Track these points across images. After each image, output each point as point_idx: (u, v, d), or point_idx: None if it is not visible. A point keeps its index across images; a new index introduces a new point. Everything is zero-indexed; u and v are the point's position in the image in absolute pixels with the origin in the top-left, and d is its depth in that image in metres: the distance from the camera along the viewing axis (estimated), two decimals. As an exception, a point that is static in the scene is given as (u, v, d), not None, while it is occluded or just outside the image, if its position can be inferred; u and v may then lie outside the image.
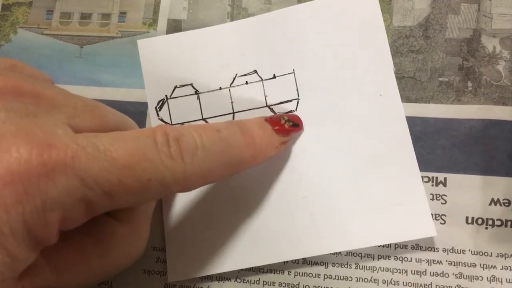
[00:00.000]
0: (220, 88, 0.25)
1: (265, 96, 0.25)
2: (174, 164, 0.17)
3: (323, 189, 0.24)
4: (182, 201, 0.24)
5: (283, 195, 0.24)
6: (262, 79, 0.25)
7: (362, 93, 0.25)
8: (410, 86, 0.25)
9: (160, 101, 0.26)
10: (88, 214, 0.16)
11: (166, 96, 0.25)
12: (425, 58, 0.25)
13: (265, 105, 0.25)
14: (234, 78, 0.25)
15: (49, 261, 0.17)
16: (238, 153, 0.19)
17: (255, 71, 0.25)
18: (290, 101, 0.25)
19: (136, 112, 0.26)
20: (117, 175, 0.15)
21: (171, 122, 0.25)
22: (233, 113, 0.25)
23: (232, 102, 0.25)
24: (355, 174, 0.24)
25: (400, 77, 0.25)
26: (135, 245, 0.21)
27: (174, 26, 0.27)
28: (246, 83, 0.25)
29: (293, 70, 0.25)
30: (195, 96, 0.25)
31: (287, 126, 0.22)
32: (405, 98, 0.25)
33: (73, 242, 0.18)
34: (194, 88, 0.25)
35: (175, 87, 0.25)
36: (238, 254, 0.24)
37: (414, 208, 0.23)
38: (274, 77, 0.25)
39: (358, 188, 0.24)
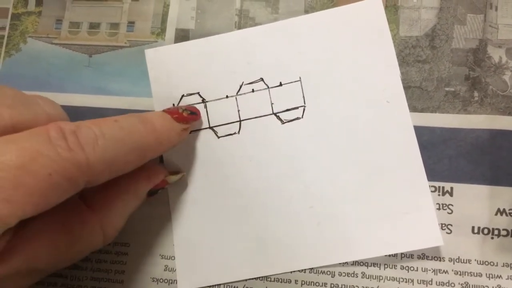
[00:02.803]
0: (227, 97, 0.25)
1: (272, 104, 0.25)
2: (74, 155, 0.17)
3: (329, 198, 0.24)
4: (191, 210, 0.25)
5: (290, 204, 0.24)
6: (268, 87, 0.25)
7: (369, 100, 0.24)
8: (416, 96, 0.25)
9: None
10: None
11: (173, 105, 0.25)
12: (432, 68, 0.25)
13: (271, 112, 0.25)
14: (241, 86, 0.25)
15: (19, 247, 0.18)
16: (141, 139, 0.20)
17: (262, 79, 0.25)
18: (297, 108, 0.25)
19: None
20: (11, 178, 0.15)
21: None
22: (240, 121, 0.25)
23: (238, 110, 0.25)
24: (362, 183, 0.24)
25: (406, 87, 0.25)
26: (105, 235, 0.21)
27: (182, 36, 0.27)
28: (253, 91, 0.25)
29: (300, 78, 0.25)
30: (202, 104, 0.25)
31: (185, 114, 0.23)
32: (412, 108, 0.25)
33: (43, 230, 0.19)
34: (201, 96, 0.25)
35: (182, 95, 0.25)
36: (246, 263, 0.24)
37: (421, 217, 0.23)
38: (281, 84, 0.25)
39: (365, 197, 0.24)
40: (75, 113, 0.26)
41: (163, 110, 0.23)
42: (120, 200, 0.22)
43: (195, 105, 0.25)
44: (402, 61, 0.25)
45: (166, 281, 0.24)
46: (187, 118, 0.23)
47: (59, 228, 0.19)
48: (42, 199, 0.16)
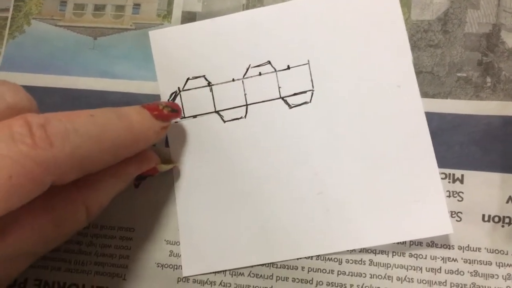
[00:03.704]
0: (233, 80, 0.25)
1: (279, 88, 0.24)
2: (40, 153, 0.15)
3: (338, 185, 0.23)
4: (197, 195, 0.24)
5: (297, 190, 0.24)
6: (275, 70, 0.25)
7: (379, 84, 0.24)
8: (427, 81, 0.24)
9: (172, 93, 0.25)
10: None
11: (178, 88, 0.25)
12: (444, 53, 0.25)
13: (278, 96, 0.24)
14: (247, 69, 0.25)
15: (1, 233, 0.17)
16: (117, 137, 0.19)
17: (269, 62, 0.25)
18: (305, 92, 0.24)
19: (149, 105, 0.24)
20: None
21: (184, 115, 0.25)
22: (246, 105, 0.25)
23: (245, 94, 0.25)
24: (371, 169, 0.23)
25: (418, 72, 0.24)
26: (89, 213, 0.20)
27: (189, 19, 0.26)
28: (260, 74, 0.25)
29: (308, 61, 0.25)
30: (208, 88, 0.25)
31: (166, 111, 0.22)
32: (423, 94, 0.24)
33: (25, 211, 0.17)
34: (206, 80, 0.25)
35: (188, 79, 0.25)
36: (253, 249, 0.23)
37: (431, 205, 0.23)
38: (288, 68, 0.25)
39: (374, 183, 0.23)
40: (79, 96, 0.26)
41: (142, 106, 0.21)
42: (107, 180, 0.21)
43: (199, 88, 0.25)
44: (414, 45, 0.25)
45: (171, 266, 0.24)
46: (167, 115, 0.22)
47: (41, 206, 0.18)
48: (2, 203, 0.15)
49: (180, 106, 0.25)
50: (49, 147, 0.16)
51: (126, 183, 0.22)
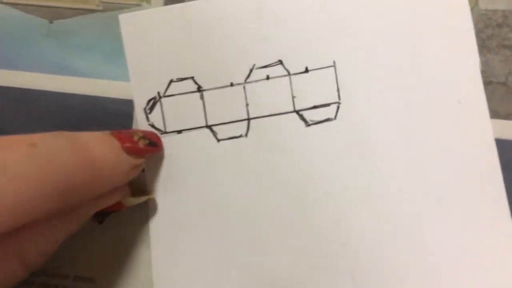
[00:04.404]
0: (232, 84, 0.22)
1: (293, 98, 0.22)
2: None
3: (371, 238, 0.21)
4: (178, 239, 0.22)
5: (315, 240, 0.21)
6: (289, 73, 0.22)
7: (432, 99, 0.21)
8: (499, 96, 0.21)
9: (150, 100, 0.22)
10: None
11: (158, 93, 0.22)
12: (524, 56, 0.21)
13: (292, 109, 0.22)
14: (251, 71, 0.22)
15: None
16: (65, 178, 0.16)
17: (280, 62, 0.22)
18: (328, 105, 0.21)
19: (120, 113, 0.22)
20: None
21: (165, 129, 0.22)
22: (248, 119, 0.22)
23: (247, 105, 0.22)
24: (421, 216, 0.20)
25: (486, 82, 0.21)
26: (26, 262, 0.18)
27: (174, 0, 0.23)
28: (268, 78, 0.22)
29: (334, 62, 0.22)
30: (198, 94, 0.22)
31: (142, 144, 0.20)
32: (492, 113, 0.21)
33: None
34: (196, 82, 0.22)
35: (171, 81, 0.22)
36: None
37: (502, 257, 0.20)
38: (307, 71, 0.22)
39: (425, 236, 0.20)
40: (27, 99, 0.24)
41: (111, 133, 0.19)
42: (51, 222, 0.18)
43: (186, 94, 0.22)
44: (482, 46, 0.21)
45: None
46: (143, 150, 0.20)
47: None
48: None
49: (161, 117, 0.22)
50: None
51: (78, 225, 0.19)
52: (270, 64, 0.22)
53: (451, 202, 0.21)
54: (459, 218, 0.20)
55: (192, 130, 0.22)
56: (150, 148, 0.20)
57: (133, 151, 0.19)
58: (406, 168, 0.21)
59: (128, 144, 0.19)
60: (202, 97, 0.22)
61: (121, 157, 0.19)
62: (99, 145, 0.18)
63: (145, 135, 0.20)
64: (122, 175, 0.19)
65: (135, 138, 0.19)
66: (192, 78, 0.22)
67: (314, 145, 0.21)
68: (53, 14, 0.24)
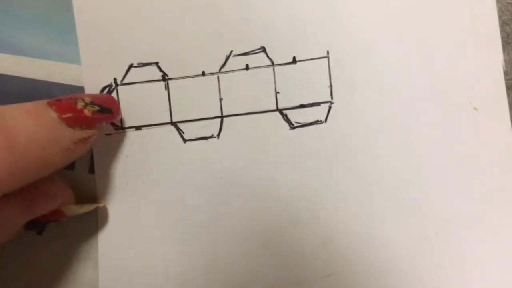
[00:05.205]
0: (204, 74, 0.20)
1: (276, 93, 0.20)
2: None
3: (364, 260, 0.19)
4: (131, 254, 0.20)
5: (297, 262, 0.19)
6: (273, 63, 0.20)
7: (444, 103, 0.19)
8: None
9: (105, 87, 0.20)
10: None
11: (115, 80, 0.20)
12: (557, 56, 0.18)
13: (274, 108, 0.20)
14: (227, 58, 0.20)
15: None
16: None
17: (263, 49, 0.20)
18: (318, 104, 0.20)
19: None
20: None
21: (121, 123, 0.20)
22: (222, 116, 0.20)
23: (221, 99, 0.20)
24: (428, 241, 0.19)
25: (510, 86, 0.19)
26: None
27: (137, -33, 0.21)
28: (247, 68, 0.20)
29: (328, 52, 0.20)
30: (162, 83, 0.20)
31: (89, 112, 0.17)
32: None
33: None
34: (160, 69, 0.20)
35: (131, 66, 0.20)
36: None
37: None
38: (294, 61, 0.20)
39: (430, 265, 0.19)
40: None
41: (47, 102, 0.16)
42: None
43: (148, 83, 0.20)
44: (506, 41, 0.19)
45: None
46: (91, 120, 0.17)
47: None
48: None
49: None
50: None
51: (5, 235, 0.17)
52: (251, 51, 0.20)
53: (467, 224, 0.19)
54: (474, 238, 0.19)
55: (154, 126, 0.20)
56: (101, 116, 0.17)
57: (77, 122, 0.16)
58: (411, 183, 0.19)
59: (69, 114, 0.16)
60: (167, 87, 0.20)
61: (59, 132, 0.16)
62: (25, 118, 0.15)
63: (94, 100, 0.17)
64: (61, 155, 0.16)
65: (80, 105, 0.17)
66: (157, 63, 0.20)
67: (298, 153, 0.20)
68: (-9, -22, 0.21)
